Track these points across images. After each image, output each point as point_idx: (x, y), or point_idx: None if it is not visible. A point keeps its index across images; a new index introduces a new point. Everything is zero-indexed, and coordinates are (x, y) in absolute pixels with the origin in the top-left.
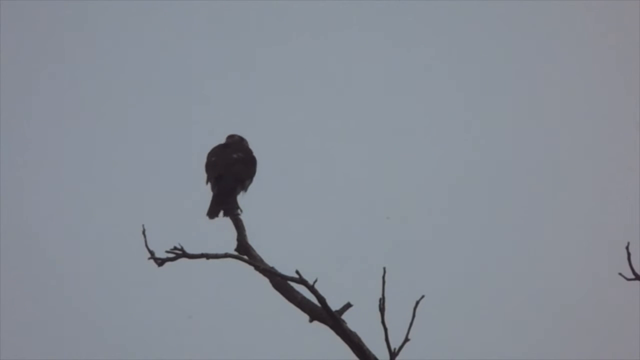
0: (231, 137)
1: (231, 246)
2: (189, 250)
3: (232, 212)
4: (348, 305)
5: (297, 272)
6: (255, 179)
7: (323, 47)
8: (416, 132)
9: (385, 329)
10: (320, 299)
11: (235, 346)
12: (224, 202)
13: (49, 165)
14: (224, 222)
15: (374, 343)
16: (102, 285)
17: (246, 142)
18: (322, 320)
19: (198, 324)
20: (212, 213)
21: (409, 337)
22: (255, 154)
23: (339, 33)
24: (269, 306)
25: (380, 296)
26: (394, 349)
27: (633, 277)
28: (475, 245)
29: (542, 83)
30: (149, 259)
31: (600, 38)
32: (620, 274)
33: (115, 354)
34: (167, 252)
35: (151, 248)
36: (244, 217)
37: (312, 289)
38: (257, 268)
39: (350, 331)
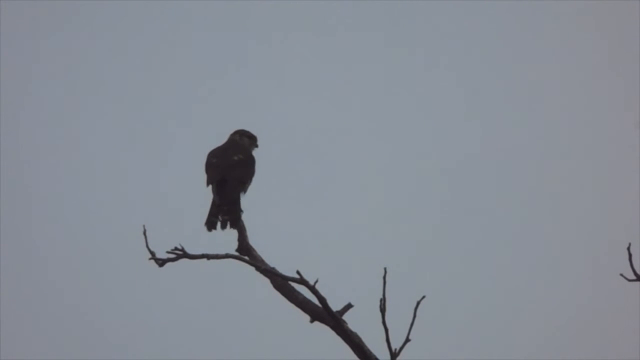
0: (234, 135)
1: (232, 247)
2: (190, 250)
3: (238, 222)
4: (349, 306)
5: (298, 272)
6: (254, 178)
7: (323, 46)
8: (416, 132)
9: (386, 330)
10: (321, 299)
11: (235, 346)
12: (228, 211)
13: (48, 165)
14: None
15: (374, 343)
16: (102, 285)
17: (247, 139)
18: (323, 320)
19: (198, 324)
20: (210, 225)
21: (410, 337)
22: (257, 153)
23: (340, 32)
24: (269, 307)
25: (381, 296)
26: (395, 349)
27: (634, 277)
28: (475, 246)
29: (542, 83)
30: (150, 259)
31: (600, 37)
32: (621, 274)
33: (116, 354)
34: (168, 252)
35: (152, 248)
36: (244, 217)
37: (313, 289)
38: (258, 268)
39: (351, 332)
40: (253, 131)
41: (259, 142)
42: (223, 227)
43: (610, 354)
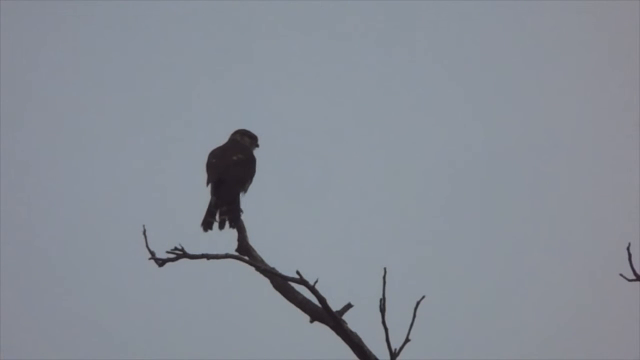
0: (235, 134)
1: (232, 247)
2: (190, 250)
3: (238, 221)
4: (349, 306)
5: (297, 272)
6: (255, 178)
7: (323, 46)
8: (416, 132)
9: (386, 330)
10: (321, 299)
11: (235, 346)
12: (227, 211)
13: (48, 165)
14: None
15: (374, 343)
16: (102, 285)
17: (248, 138)
18: (322, 320)
19: (198, 324)
20: (207, 225)
21: (410, 337)
22: (256, 153)
23: (340, 32)
24: (269, 307)
25: (381, 296)
26: (395, 349)
27: (634, 277)
28: (475, 245)
29: (542, 83)
30: (150, 259)
31: (601, 37)
32: (621, 274)
33: (116, 354)
34: (168, 252)
35: (152, 248)
36: (244, 217)
37: (312, 289)
38: (257, 268)
39: (351, 332)
40: (254, 131)
41: (259, 142)
42: (221, 227)
43: (610, 354)
